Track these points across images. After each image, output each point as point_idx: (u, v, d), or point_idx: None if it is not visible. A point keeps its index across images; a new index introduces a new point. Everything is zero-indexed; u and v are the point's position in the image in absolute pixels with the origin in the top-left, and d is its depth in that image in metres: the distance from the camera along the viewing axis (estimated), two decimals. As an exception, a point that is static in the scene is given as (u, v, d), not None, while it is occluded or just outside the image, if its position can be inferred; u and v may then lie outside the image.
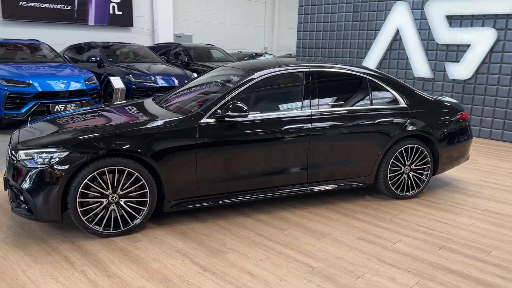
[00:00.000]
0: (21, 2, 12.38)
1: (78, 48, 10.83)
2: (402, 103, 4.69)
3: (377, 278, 3.10)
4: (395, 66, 9.32)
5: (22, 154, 3.51)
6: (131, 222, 3.66)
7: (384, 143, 4.49)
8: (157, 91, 8.97)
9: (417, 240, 3.74)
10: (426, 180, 4.79)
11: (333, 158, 4.34)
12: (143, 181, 3.61)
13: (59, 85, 7.79)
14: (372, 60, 9.55)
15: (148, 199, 3.67)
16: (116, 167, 3.51)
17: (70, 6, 13.36)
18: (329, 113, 4.32)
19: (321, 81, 4.41)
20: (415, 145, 4.63)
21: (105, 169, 3.48)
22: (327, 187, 4.41)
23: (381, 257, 3.42)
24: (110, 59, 10.04)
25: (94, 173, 3.45)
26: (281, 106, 4.30)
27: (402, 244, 3.66)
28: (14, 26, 12.50)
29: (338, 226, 3.99)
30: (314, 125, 4.19)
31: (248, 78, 4.15)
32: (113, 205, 3.58)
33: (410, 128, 4.60)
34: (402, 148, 4.58)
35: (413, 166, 4.70)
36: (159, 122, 3.80)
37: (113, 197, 3.56)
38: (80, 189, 3.42)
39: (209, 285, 2.95)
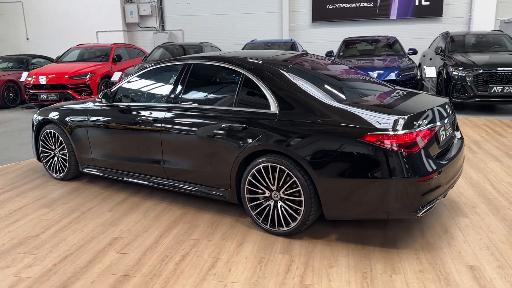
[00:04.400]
0: (328, 5, 14.24)
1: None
2: (272, 109, 3.50)
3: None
4: None
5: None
6: (62, 172, 5.11)
7: (235, 155, 3.61)
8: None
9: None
10: (299, 218, 3.38)
11: (184, 159, 3.98)
12: (64, 144, 4.97)
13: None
14: None
15: (68, 158, 4.99)
16: (51, 131, 5.06)
17: (372, 3, 13.98)
18: (180, 109, 3.99)
19: (194, 75, 4.08)
20: (278, 165, 3.39)
21: (47, 130, 5.10)
22: (183, 190, 4.09)
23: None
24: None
25: (44, 132, 5.14)
26: (155, 98, 4.34)
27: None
28: (321, 27, 14.56)
29: (143, 226, 3.85)
30: (166, 119, 4.04)
31: (140, 69, 4.51)
32: (56, 158, 5.16)
33: (267, 141, 3.42)
34: (261, 166, 3.50)
35: (281, 194, 3.46)
36: (82, 104, 4.96)
37: (55, 152, 5.14)
38: (39, 141, 5.22)
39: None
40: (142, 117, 4.20)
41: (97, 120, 4.60)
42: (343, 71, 4.22)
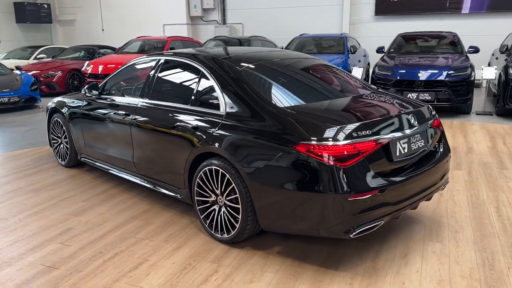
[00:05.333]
0: (392, -2, 13.37)
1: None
2: (221, 109, 3.33)
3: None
4: None
5: None
6: (65, 159, 5.38)
7: (186, 156, 3.51)
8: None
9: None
10: (237, 227, 3.20)
11: (149, 155, 3.96)
12: (66, 133, 5.22)
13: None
14: None
15: (69, 146, 5.24)
16: (57, 119, 5.33)
17: (442, -4, 12.86)
18: (147, 105, 3.98)
19: (162, 71, 4.04)
20: (221, 170, 3.24)
21: (55, 119, 5.38)
22: (148, 186, 4.08)
23: None
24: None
25: (53, 120, 5.44)
26: (130, 92, 4.36)
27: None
28: (384, 20, 13.69)
29: (103, 219, 3.91)
30: (136, 114, 4.05)
31: (125, 64, 4.57)
32: (62, 145, 5.44)
33: (211, 143, 3.28)
34: (207, 169, 3.36)
35: (224, 200, 3.30)
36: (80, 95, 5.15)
37: (61, 139, 5.42)
38: (50, 128, 5.54)
39: (-14, 196, 4.49)
40: (119, 111, 4.26)
41: (86, 111, 4.75)
42: (320, 73, 3.89)
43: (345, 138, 2.73)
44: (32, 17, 17.21)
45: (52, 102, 5.49)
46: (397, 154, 2.98)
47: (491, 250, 3.19)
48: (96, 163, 4.83)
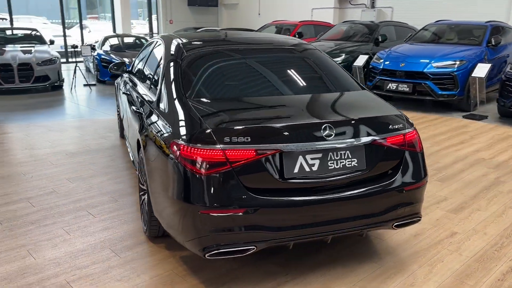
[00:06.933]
0: None
1: None
2: (154, 97, 3.16)
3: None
4: None
5: None
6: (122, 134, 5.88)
7: (136, 140, 3.47)
8: None
9: None
10: (147, 220, 3.06)
11: (130, 136, 4.04)
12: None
13: None
14: None
15: (119, 119, 5.70)
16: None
17: None
18: (135, 85, 4.03)
19: (153, 53, 4.00)
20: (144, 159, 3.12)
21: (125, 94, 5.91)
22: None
23: None
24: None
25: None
26: (136, 72, 4.41)
27: None
28: None
29: (89, 187, 4.17)
30: (129, 96, 4.14)
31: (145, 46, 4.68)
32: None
33: (140, 130, 3.18)
34: (141, 156, 3.28)
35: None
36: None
37: (120, 112, 5.94)
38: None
39: None
40: (127, 88, 4.43)
41: (120, 87, 5.07)
42: (288, 65, 3.31)
43: (214, 142, 2.30)
44: (201, 0, 18.94)
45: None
46: (296, 171, 2.37)
47: (427, 322, 2.32)
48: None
